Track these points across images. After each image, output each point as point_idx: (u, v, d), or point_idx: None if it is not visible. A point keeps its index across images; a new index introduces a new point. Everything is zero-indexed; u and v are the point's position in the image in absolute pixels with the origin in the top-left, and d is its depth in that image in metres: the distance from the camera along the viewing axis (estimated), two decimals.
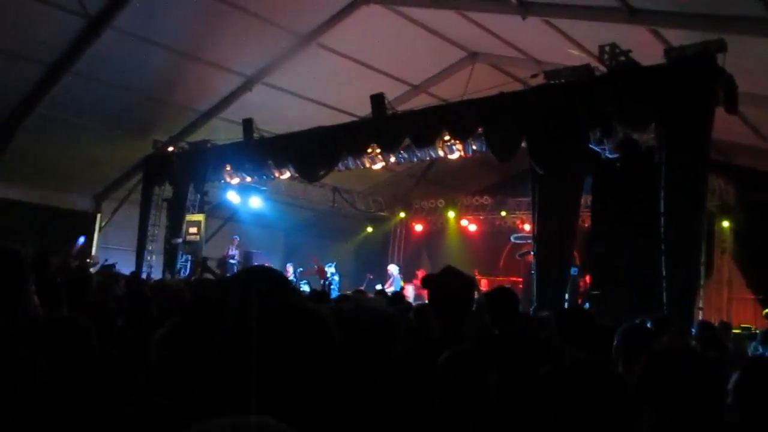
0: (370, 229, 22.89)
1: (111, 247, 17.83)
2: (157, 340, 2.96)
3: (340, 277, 18.38)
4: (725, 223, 15.01)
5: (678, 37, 9.81)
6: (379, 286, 16.40)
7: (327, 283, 17.30)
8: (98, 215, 18.59)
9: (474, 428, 2.48)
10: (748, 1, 8.98)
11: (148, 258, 17.01)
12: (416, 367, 2.62)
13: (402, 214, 22.04)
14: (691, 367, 2.35)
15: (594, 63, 10.09)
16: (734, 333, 10.25)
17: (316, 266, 18.19)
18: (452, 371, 2.57)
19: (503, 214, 19.17)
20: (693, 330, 7.03)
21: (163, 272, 16.28)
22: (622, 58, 9.53)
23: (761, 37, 9.58)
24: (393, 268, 18.22)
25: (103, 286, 6.57)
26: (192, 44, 13.56)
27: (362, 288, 13.71)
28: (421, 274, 17.34)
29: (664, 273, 8.53)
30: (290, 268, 18.30)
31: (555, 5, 11.04)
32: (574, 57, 11.12)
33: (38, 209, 16.99)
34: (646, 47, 9.90)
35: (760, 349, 6.60)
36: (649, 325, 5.90)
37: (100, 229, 18.60)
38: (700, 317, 9.20)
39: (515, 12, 11.27)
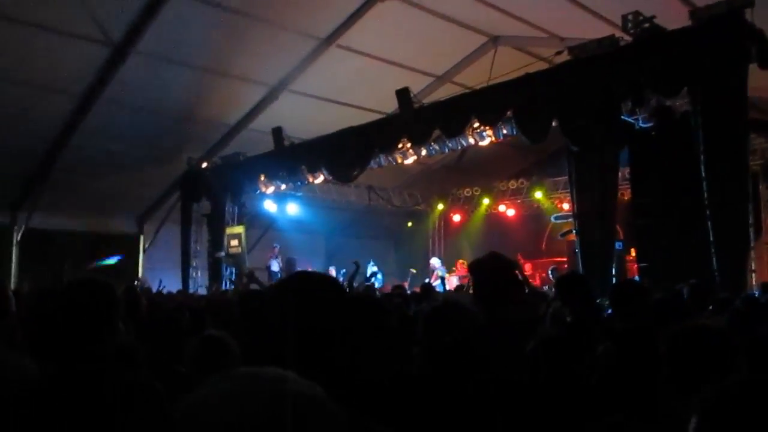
0: (410, 224, 22.84)
1: (156, 267, 18.13)
2: (187, 353, 3.05)
3: (383, 275, 18.38)
4: None
5: None
6: (428, 280, 16.36)
7: (371, 282, 17.28)
8: (141, 237, 18.92)
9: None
10: None
11: (194, 274, 17.24)
12: (460, 354, 2.62)
13: (440, 206, 21.95)
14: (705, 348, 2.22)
15: (618, 33, 9.91)
16: None
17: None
18: (546, 355, 2.61)
19: (540, 195, 18.97)
20: (756, 293, 6.84)
21: (209, 287, 16.50)
22: (647, 25, 9.34)
23: None
24: (435, 261, 18.16)
25: (156, 305, 6.69)
26: (214, 59, 13.70)
27: (404, 284, 13.71)
28: (460, 264, 17.28)
29: (711, 238, 8.36)
30: (333, 271, 18.37)
31: None
32: (598, 30, 10.92)
33: (83, 236, 17.38)
34: (670, 11, 9.67)
35: None
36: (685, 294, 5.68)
37: (144, 250, 18.93)
38: (753, 281, 8.99)
39: None
